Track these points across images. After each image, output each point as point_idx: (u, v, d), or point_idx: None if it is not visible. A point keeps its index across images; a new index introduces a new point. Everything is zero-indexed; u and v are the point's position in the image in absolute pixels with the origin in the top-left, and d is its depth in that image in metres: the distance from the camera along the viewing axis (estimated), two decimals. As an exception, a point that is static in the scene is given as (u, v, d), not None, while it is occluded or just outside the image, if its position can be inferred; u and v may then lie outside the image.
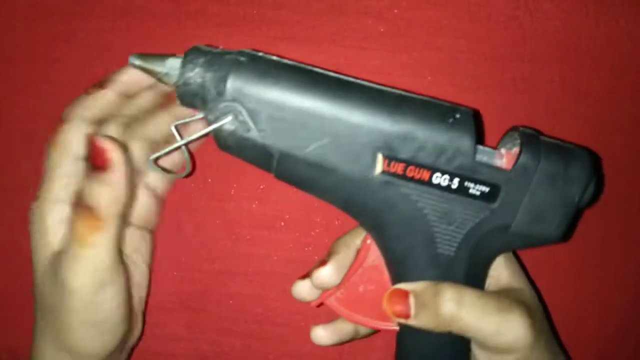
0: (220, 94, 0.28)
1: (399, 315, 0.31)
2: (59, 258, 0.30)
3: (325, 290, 0.33)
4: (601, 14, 0.40)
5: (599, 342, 0.41)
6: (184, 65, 0.29)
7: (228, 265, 0.40)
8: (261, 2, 0.40)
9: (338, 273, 0.33)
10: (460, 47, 0.40)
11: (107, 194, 0.29)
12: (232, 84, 0.28)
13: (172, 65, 0.29)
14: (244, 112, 0.28)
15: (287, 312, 0.40)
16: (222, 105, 0.28)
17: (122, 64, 0.39)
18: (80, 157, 0.31)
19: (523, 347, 0.30)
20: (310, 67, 0.29)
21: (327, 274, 0.33)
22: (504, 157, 0.30)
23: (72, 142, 0.31)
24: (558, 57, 0.40)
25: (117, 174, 0.29)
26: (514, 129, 0.31)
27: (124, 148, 0.30)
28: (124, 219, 0.31)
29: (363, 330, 0.35)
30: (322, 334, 0.34)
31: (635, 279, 0.42)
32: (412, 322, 0.30)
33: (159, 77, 0.30)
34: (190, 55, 0.29)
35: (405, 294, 0.30)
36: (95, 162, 0.29)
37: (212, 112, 0.29)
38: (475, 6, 0.40)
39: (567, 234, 0.31)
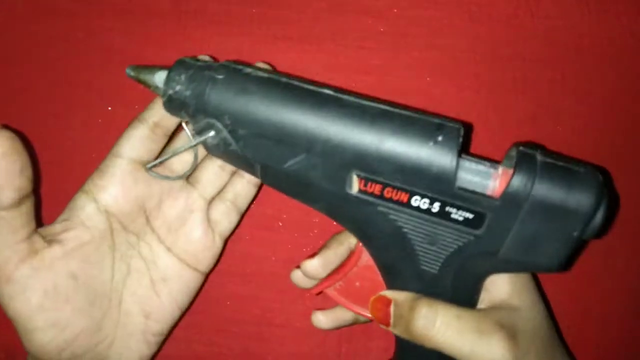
0: (200, 110, 0.29)
1: (379, 322, 0.31)
2: None
3: (321, 281, 0.34)
4: (602, 12, 0.40)
5: (601, 348, 0.41)
6: (166, 82, 0.29)
7: (226, 266, 0.39)
8: (261, 1, 0.40)
9: (324, 267, 0.34)
10: (461, 46, 0.40)
11: None
12: (209, 102, 0.28)
13: (159, 79, 0.30)
14: (222, 128, 0.29)
15: (285, 313, 0.40)
16: (203, 121, 0.29)
17: (122, 63, 0.39)
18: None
19: None
20: (289, 81, 0.29)
21: (312, 266, 0.34)
22: (499, 178, 0.28)
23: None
24: (559, 57, 0.40)
25: None
26: (516, 145, 0.29)
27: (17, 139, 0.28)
28: (19, 209, 0.29)
29: (363, 317, 0.35)
30: (321, 318, 0.35)
31: (638, 284, 0.41)
32: (391, 330, 0.31)
33: (151, 89, 0.31)
34: (174, 71, 0.29)
35: (388, 302, 0.31)
36: None
37: (196, 126, 0.30)
38: (475, 5, 0.40)
39: (565, 266, 0.28)
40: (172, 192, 0.34)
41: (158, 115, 0.32)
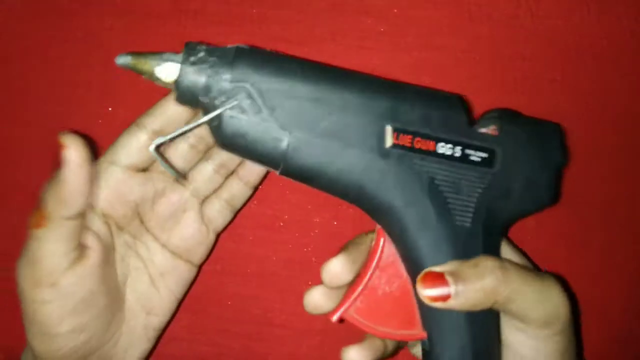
0: (228, 75, 0.28)
1: (437, 299, 0.29)
2: None
3: (341, 300, 0.31)
4: (603, 12, 0.40)
5: (602, 346, 0.41)
6: (187, 52, 0.28)
7: (227, 266, 0.39)
8: (261, 2, 0.40)
9: (350, 266, 0.30)
10: (461, 46, 0.40)
11: (53, 191, 0.28)
12: (240, 65, 0.28)
13: (170, 58, 0.28)
14: (254, 92, 0.28)
15: (285, 313, 0.40)
16: (230, 87, 0.28)
17: (122, 63, 0.39)
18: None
19: (563, 317, 0.29)
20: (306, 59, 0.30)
21: (337, 265, 0.30)
22: (488, 129, 0.32)
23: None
24: (559, 57, 0.40)
25: (66, 173, 0.27)
26: (488, 111, 0.34)
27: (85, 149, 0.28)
28: (80, 218, 0.29)
29: (390, 345, 0.33)
30: (355, 357, 0.31)
31: (637, 283, 0.41)
32: (451, 303, 0.29)
33: (151, 75, 0.28)
34: (190, 45, 0.29)
35: (440, 275, 0.29)
36: (54, 158, 0.28)
37: (219, 97, 0.28)
38: (475, 5, 0.40)
39: (557, 195, 0.34)
40: (165, 192, 0.34)
41: (158, 123, 0.31)
